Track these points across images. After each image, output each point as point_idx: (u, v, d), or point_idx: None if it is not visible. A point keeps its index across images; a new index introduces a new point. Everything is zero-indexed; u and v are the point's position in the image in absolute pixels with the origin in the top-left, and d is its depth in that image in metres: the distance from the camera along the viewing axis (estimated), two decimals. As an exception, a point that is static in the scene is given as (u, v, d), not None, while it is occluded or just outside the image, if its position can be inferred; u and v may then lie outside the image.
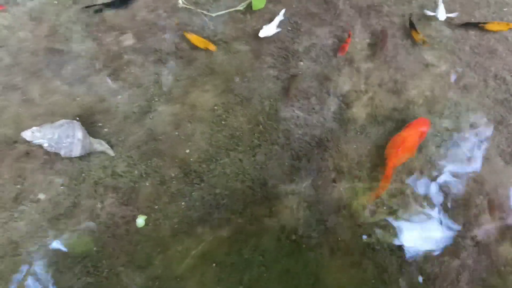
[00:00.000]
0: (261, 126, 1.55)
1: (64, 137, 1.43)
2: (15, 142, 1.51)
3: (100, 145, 1.48)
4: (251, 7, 1.80)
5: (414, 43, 1.72)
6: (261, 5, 1.79)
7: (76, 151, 1.44)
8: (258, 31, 1.72)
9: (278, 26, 1.71)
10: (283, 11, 1.75)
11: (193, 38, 1.68)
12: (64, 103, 1.60)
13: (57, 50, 1.73)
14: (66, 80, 1.66)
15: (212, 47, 1.66)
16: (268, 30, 1.69)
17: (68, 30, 1.77)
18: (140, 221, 1.34)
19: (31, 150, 1.49)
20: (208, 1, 1.83)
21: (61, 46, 1.72)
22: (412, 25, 1.73)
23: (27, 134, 1.44)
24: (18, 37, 1.77)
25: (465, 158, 1.49)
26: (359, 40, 1.75)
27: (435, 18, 1.78)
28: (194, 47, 1.70)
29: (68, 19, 1.80)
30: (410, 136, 1.43)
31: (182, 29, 1.73)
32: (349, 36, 1.70)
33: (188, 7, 1.82)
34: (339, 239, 1.34)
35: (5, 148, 1.50)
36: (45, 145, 1.44)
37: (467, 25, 1.79)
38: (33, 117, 1.57)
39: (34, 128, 1.45)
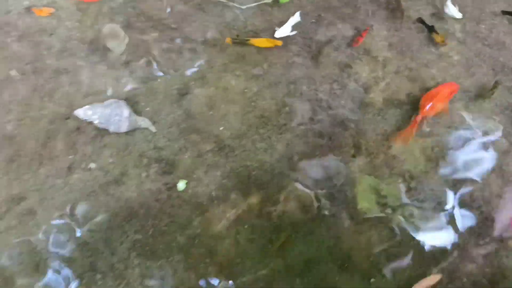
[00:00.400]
0: (287, 108, 1.72)
1: (113, 115, 1.62)
2: (67, 118, 1.70)
3: (143, 122, 1.67)
4: (278, 0, 1.97)
5: (431, 40, 1.88)
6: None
7: (123, 127, 1.63)
8: (284, 23, 1.89)
9: (295, 26, 1.88)
10: (298, 13, 1.92)
11: (259, 41, 1.85)
12: (111, 84, 1.79)
13: (98, 39, 1.91)
14: (111, 64, 1.84)
15: (279, 43, 1.85)
16: (283, 31, 1.86)
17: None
18: (181, 184, 1.53)
19: (81, 126, 1.68)
20: (238, -6, 2.00)
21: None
22: (431, 29, 1.90)
23: (79, 112, 1.64)
24: (66, 26, 1.96)
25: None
26: (377, 32, 1.92)
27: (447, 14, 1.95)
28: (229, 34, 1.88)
29: (110, 10, 1.98)
30: (442, 90, 1.68)
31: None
32: (365, 30, 1.87)
33: (220, 0, 2.00)
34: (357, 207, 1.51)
35: (58, 124, 1.69)
36: (96, 122, 1.63)
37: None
38: (82, 97, 1.75)
39: (86, 106, 1.64)
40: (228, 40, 1.84)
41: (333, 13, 1.98)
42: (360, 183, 1.54)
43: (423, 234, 1.45)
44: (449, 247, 1.44)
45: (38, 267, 1.40)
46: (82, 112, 1.62)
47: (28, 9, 1.99)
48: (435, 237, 1.45)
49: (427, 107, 1.61)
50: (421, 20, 1.93)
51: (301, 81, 1.78)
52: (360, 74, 1.80)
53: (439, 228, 1.47)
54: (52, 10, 1.97)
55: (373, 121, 1.69)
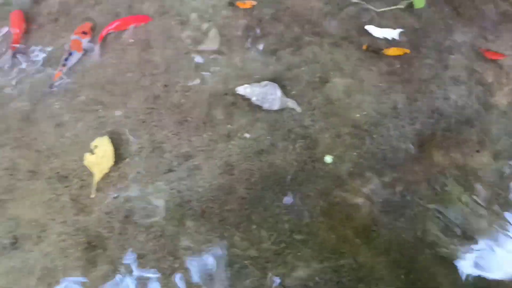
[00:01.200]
0: (418, 103, 1.95)
1: (268, 94, 1.91)
2: (226, 94, 2.00)
3: (291, 103, 1.95)
4: (412, 5, 2.19)
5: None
6: (421, 5, 2.18)
7: (276, 106, 1.92)
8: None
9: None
10: (398, 31, 2.13)
11: (391, 51, 2.08)
12: (260, 69, 2.08)
13: (251, 26, 2.21)
14: (260, 51, 2.14)
15: (408, 51, 2.06)
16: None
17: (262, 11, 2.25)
18: (328, 158, 1.79)
19: (237, 101, 1.98)
20: (373, -3, 2.24)
21: (254, 23, 2.20)
22: None
23: (240, 89, 1.94)
24: (221, 14, 2.27)
25: None
26: (504, 41, 2.11)
27: None
28: (363, 35, 2.12)
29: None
30: None
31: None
32: (498, 53, 2.06)
33: (358, 2, 2.25)
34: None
35: (217, 98, 2.00)
36: (253, 98, 1.92)
37: None
38: (237, 78, 2.06)
39: (245, 85, 1.94)
40: (364, 47, 2.08)
41: (462, 20, 2.16)
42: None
43: None
44: None
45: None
46: (242, 89, 1.92)
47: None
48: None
49: None
50: None
51: (431, 80, 1.99)
52: (486, 78, 1.99)
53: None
54: (254, 3, 2.28)
55: (497, 121, 1.88)
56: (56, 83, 1.97)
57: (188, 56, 2.10)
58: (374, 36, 2.13)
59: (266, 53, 2.11)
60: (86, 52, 2.09)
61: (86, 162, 1.77)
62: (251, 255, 1.63)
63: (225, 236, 1.66)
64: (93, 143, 1.80)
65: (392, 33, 2.11)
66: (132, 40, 2.15)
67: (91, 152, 1.79)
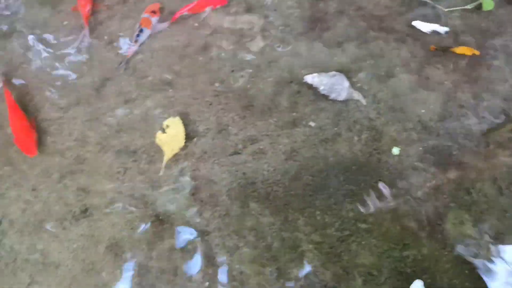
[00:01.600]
0: (485, 103, 1.94)
1: (336, 84, 1.93)
2: (291, 82, 2.03)
3: (356, 94, 1.96)
4: (480, 7, 2.19)
5: None
6: (490, 7, 2.17)
7: (342, 96, 1.93)
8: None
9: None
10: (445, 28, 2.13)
11: (460, 49, 2.08)
12: (325, 60, 2.10)
13: (317, 18, 2.23)
14: (326, 43, 2.16)
15: (477, 52, 2.06)
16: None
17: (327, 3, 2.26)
18: (395, 150, 1.80)
19: (302, 90, 2.00)
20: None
21: (319, 15, 2.22)
22: None
23: (308, 78, 1.96)
24: (286, 4, 2.30)
25: None
26: None
27: None
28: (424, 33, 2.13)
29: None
30: None
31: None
32: None
33: (426, 0, 2.25)
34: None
35: (283, 85, 2.02)
36: (321, 88, 1.94)
37: None
38: (301, 67, 2.08)
39: (314, 74, 1.96)
40: (432, 48, 2.08)
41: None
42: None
43: None
44: None
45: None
46: (311, 78, 1.94)
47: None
48: None
49: None
50: None
51: (499, 82, 1.98)
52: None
53: None
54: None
55: None
56: (125, 61, 2.02)
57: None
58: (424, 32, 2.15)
59: (331, 45, 2.13)
60: (155, 30, 2.14)
61: (157, 140, 1.81)
62: (314, 239, 1.63)
63: (289, 220, 1.67)
64: (165, 123, 1.84)
65: (439, 29, 2.10)
66: (197, 24, 2.18)
67: (163, 131, 1.82)
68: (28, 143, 1.76)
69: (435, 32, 2.13)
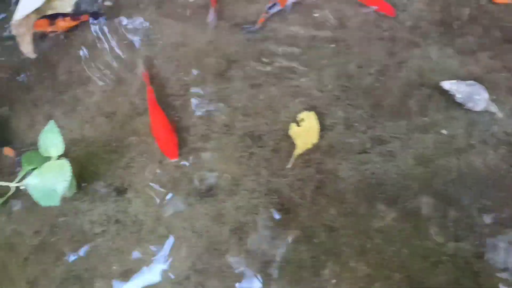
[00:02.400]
0: None
1: (474, 94, 1.84)
2: (422, 85, 1.95)
3: (493, 107, 1.86)
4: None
5: None
6: None
7: (479, 107, 1.84)
8: None
9: None
10: None
11: None
12: (456, 67, 2.01)
13: (448, 23, 2.14)
14: (458, 50, 2.06)
15: None
16: None
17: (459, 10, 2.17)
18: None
19: (433, 95, 1.93)
20: None
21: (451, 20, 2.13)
22: None
23: (446, 84, 1.88)
24: (416, 7, 2.22)
25: None
26: None
27: None
28: None
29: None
30: None
31: None
32: None
33: None
34: None
35: (412, 87, 1.95)
36: (458, 96, 1.85)
37: None
38: (430, 71, 2.01)
39: (453, 81, 1.87)
40: None
41: None
42: None
43: None
44: None
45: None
46: (448, 85, 1.86)
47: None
48: None
49: None
50: None
51: None
52: None
53: None
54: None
55: None
56: (254, 27, 2.07)
57: (382, 42, 2.06)
58: None
59: (463, 52, 2.04)
60: (287, 10, 2.11)
61: (291, 132, 1.78)
62: (447, 252, 1.56)
63: (419, 227, 1.60)
64: (300, 116, 1.82)
65: None
66: (317, 15, 2.13)
67: (297, 123, 1.78)
68: (171, 147, 1.75)
69: None
